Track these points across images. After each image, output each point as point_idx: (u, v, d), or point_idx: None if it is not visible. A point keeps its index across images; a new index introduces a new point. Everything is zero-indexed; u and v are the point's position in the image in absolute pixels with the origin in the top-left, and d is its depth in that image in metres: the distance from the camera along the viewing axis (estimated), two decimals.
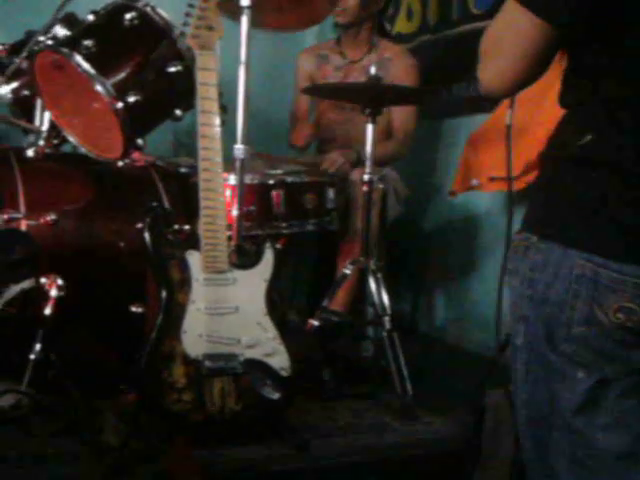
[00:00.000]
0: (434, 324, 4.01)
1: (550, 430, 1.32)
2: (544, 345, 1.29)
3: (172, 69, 2.72)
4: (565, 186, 1.28)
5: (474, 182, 3.28)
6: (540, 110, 2.91)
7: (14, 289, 2.43)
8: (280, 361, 2.31)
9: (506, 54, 1.28)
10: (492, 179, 3.20)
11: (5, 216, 2.55)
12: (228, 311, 2.29)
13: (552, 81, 2.98)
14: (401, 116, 3.63)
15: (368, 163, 2.92)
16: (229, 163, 2.51)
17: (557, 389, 1.29)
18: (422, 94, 3.53)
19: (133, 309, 2.65)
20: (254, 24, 2.60)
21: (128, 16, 2.69)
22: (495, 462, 2.28)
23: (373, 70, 2.92)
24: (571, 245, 1.24)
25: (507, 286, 1.39)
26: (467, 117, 3.76)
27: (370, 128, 2.91)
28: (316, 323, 2.84)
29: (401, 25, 4.20)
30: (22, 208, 2.61)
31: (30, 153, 2.81)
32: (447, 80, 3.85)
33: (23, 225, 2.60)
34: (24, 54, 2.82)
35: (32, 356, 2.39)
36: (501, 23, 1.29)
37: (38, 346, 2.40)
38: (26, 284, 2.46)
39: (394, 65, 3.60)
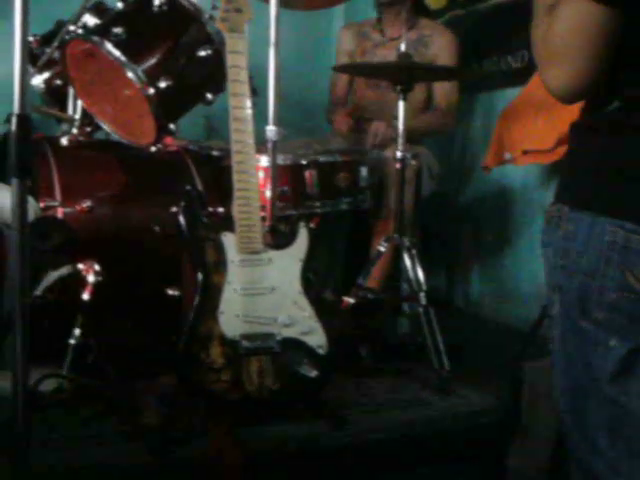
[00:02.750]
0: (469, 299, 4.01)
1: (587, 399, 1.31)
2: (578, 314, 1.28)
3: (202, 53, 2.73)
4: (593, 154, 1.27)
5: (507, 156, 3.27)
6: None
7: (52, 276, 2.47)
8: (317, 339, 2.32)
9: (576, 56, 1.21)
10: (525, 152, 3.19)
11: (41, 204, 2.59)
12: (264, 291, 2.31)
13: None
14: (444, 88, 3.63)
15: (400, 141, 2.91)
16: (262, 145, 2.53)
17: (592, 358, 1.28)
18: (453, 71, 3.52)
19: (170, 292, 2.68)
20: (283, 4, 2.60)
21: (157, 2, 2.70)
22: (534, 435, 2.29)
23: (403, 47, 2.91)
24: (602, 212, 1.23)
25: (543, 258, 1.38)
26: (499, 91, 3.75)
27: (401, 105, 2.91)
28: (352, 301, 2.86)
29: (431, 0, 4.18)
30: (58, 196, 2.65)
31: (64, 141, 2.85)
32: (479, 55, 3.84)
33: (59, 213, 2.63)
34: (55, 44, 2.85)
35: (72, 341, 2.43)
36: (561, 22, 1.20)
37: (77, 331, 2.44)
38: (64, 270, 2.50)
39: (433, 42, 3.61)
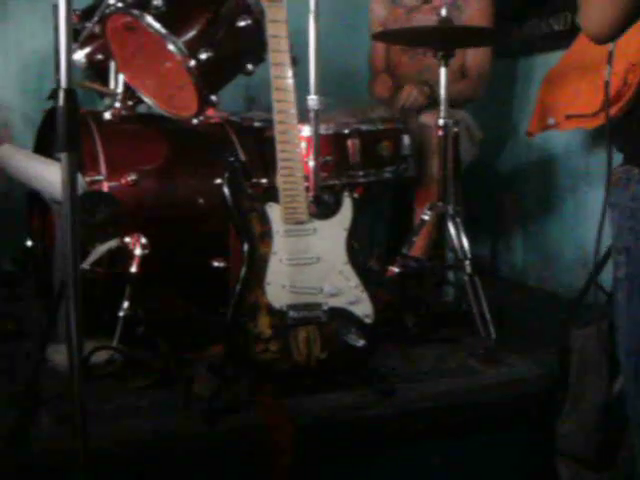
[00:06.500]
0: (514, 267, 3.99)
1: None
2: None
3: (242, 23, 2.72)
4: None
5: (551, 121, 3.23)
6: (619, 43, 2.83)
7: (100, 249, 2.50)
8: (363, 309, 2.33)
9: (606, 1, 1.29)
10: (569, 117, 3.14)
11: (87, 179, 2.61)
12: (310, 261, 2.31)
13: None
14: (476, 56, 3.56)
15: (442, 107, 2.89)
16: (304, 115, 2.52)
17: None
18: (494, 34, 3.46)
19: (215, 264, 2.70)
20: None
21: None
22: (582, 402, 2.27)
23: (444, 12, 2.88)
24: None
25: (609, 219, 1.36)
26: (542, 55, 3.70)
27: (443, 71, 2.88)
28: (397, 270, 2.86)
29: None
30: (103, 170, 2.66)
31: (107, 116, 2.86)
32: (520, 17, 3.78)
33: (105, 187, 2.65)
34: (96, 19, 2.86)
35: (121, 313, 2.46)
36: None
37: (126, 303, 2.47)
38: (111, 244, 2.52)
39: (468, 6, 3.53)
